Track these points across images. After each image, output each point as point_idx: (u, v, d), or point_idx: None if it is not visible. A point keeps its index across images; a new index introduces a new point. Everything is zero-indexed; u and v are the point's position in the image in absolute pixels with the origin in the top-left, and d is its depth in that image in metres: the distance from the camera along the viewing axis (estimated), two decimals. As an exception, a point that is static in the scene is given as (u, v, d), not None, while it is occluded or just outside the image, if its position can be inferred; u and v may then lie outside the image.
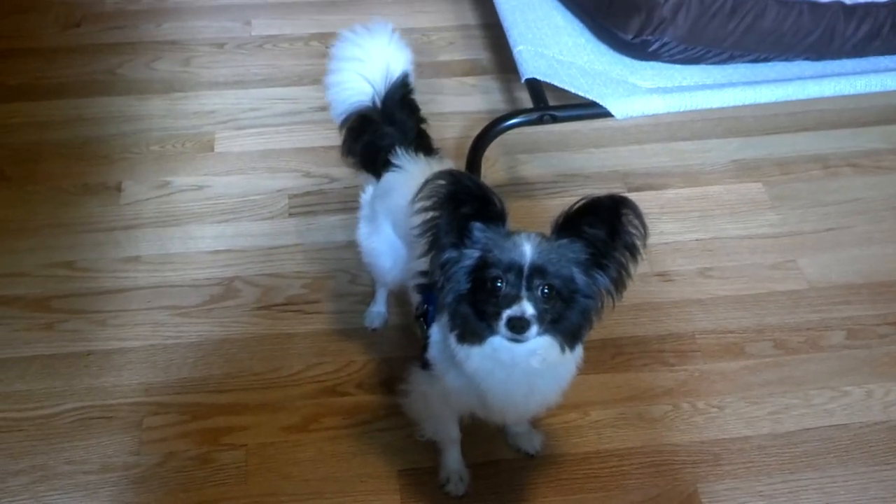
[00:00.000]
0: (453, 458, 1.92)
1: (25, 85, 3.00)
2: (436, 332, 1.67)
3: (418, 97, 2.06)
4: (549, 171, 2.73)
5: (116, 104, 2.93)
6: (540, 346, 1.51)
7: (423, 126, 2.03)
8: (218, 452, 2.00)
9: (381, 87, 1.97)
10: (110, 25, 3.27)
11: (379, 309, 2.24)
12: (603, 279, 1.50)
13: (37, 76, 3.04)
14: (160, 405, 2.09)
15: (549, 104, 2.41)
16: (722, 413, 2.10)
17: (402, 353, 2.19)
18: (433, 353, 1.69)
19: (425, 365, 1.73)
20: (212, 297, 2.33)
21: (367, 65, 1.98)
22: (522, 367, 1.55)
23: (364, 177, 2.05)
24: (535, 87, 2.44)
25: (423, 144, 1.97)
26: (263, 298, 2.33)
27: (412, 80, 2.03)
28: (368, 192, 2.02)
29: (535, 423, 2.03)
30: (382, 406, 2.10)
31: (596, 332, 1.59)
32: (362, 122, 1.98)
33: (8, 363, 2.16)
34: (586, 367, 1.68)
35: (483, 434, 1.94)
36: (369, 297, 2.32)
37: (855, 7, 2.54)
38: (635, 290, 2.30)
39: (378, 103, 1.97)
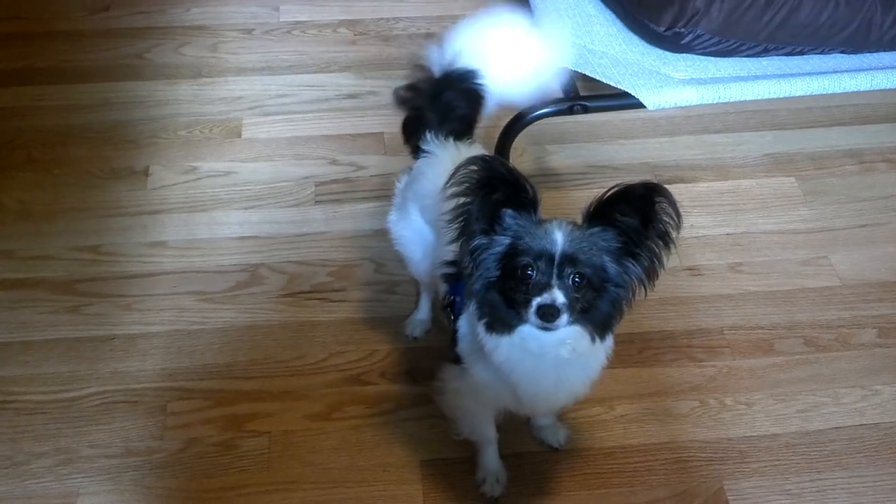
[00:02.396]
0: (491, 459, 1.90)
1: (54, 68, 3.01)
2: (464, 324, 1.66)
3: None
4: (578, 162, 2.70)
5: (144, 89, 2.93)
6: (569, 335, 1.48)
7: (475, 118, 1.96)
8: (241, 439, 2.00)
9: (444, 64, 1.90)
10: (139, 10, 3.27)
11: (422, 317, 2.20)
12: (635, 268, 1.47)
13: (65, 59, 3.04)
14: (184, 391, 2.09)
15: (580, 94, 2.38)
16: (750, 410, 2.08)
17: (426, 343, 2.19)
18: (462, 346, 1.67)
19: (456, 360, 1.71)
20: (237, 283, 2.33)
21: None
22: (551, 356, 1.52)
23: (402, 167, 2.02)
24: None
25: (456, 131, 1.91)
26: (289, 286, 2.32)
27: (483, 80, 1.93)
28: (403, 182, 2.00)
29: (561, 416, 2.01)
30: (406, 396, 2.09)
31: (623, 326, 1.57)
32: (412, 93, 1.93)
33: (33, 346, 2.17)
34: (613, 361, 1.66)
35: (508, 426, 1.92)
36: (395, 285, 2.32)
37: (893, -1, 2.49)
38: (664, 284, 2.27)
39: (435, 75, 1.90)
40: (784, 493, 1.93)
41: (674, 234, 1.44)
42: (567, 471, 1.95)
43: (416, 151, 1.92)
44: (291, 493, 1.91)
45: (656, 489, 1.93)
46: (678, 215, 1.41)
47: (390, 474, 1.94)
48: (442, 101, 1.90)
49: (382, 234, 2.12)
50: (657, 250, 1.46)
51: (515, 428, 1.97)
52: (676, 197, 1.43)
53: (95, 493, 1.90)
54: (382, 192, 2.48)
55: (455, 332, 1.70)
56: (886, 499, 1.92)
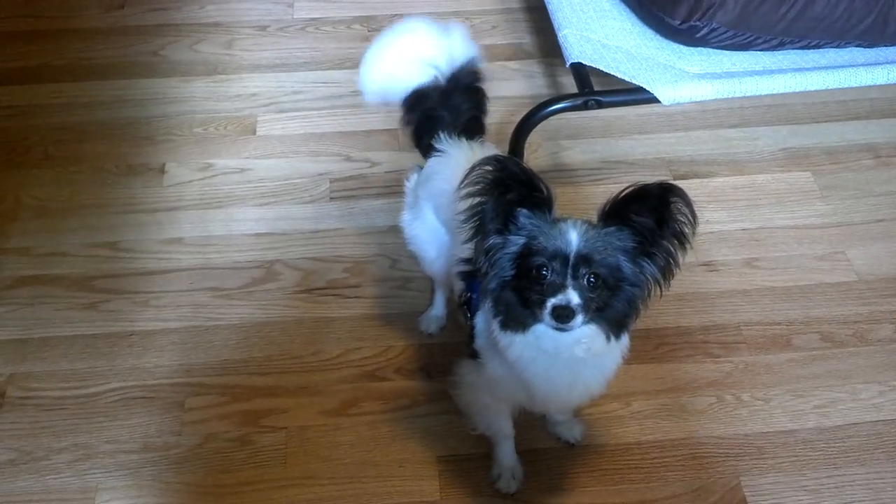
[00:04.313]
0: (507, 455, 1.90)
1: (70, 65, 3.02)
2: (480, 320, 1.66)
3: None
4: (593, 157, 2.69)
5: (159, 86, 2.94)
6: (585, 334, 1.48)
7: (482, 116, 1.98)
8: (258, 434, 2.01)
9: (447, 69, 1.91)
10: (153, 7, 3.28)
11: (437, 313, 2.20)
12: (650, 268, 1.47)
13: (81, 57, 3.06)
14: (201, 386, 2.10)
15: (595, 89, 2.37)
16: (767, 406, 2.07)
17: (442, 340, 2.19)
18: (479, 342, 1.67)
19: (473, 355, 1.71)
20: (253, 279, 2.33)
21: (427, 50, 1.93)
22: (566, 355, 1.53)
23: (413, 157, 2.02)
24: (580, 71, 2.41)
25: (468, 130, 1.92)
26: (304, 282, 2.33)
27: (480, 65, 1.98)
28: (412, 180, 2.00)
29: (577, 412, 2.01)
30: (421, 391, 2.09)
31: (639, 322, 1.57)
32: (418, 98, 1.94)
33: (52, 342, 2.18)
34: (629, 357, 1.67)
35: (524, 422, 1.92)
36: (409, 281, 2.32)
37: (910, -8, 2.47)
38: (680, 280, 2.26)
39: (442, 82, 1.92)
40: (801, 488, 1.92)
41: (689, 234, 1.43)
42: (583, 466, 1.95)
43: (428, 151, 1.92)
44: (307, 488, 1.91)
45: (673, 485, 1.93)
46: (694, 215, 1.42)
47: (406, 470, 1.95)
48: (452, 102, 1.91)
49: (396, 230, 2.12)
50: (673, 250, 1.46)
51: (531, 424, 1.97)
52: (691, 192, 1.43)
53: (114, 489, 1.91)
54: (396, 189, 2.47)
55: (472, 328, 1.70)
56: (905, 495, 1.92)
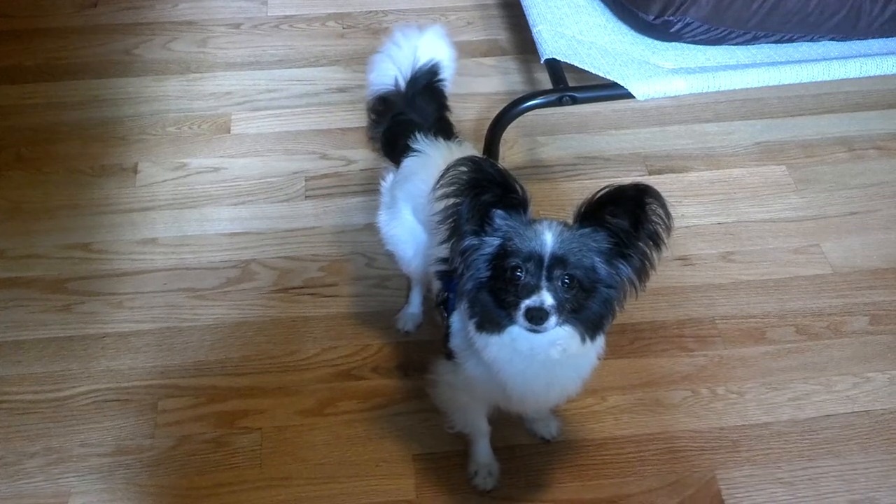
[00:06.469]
0: (483, 452, 1.90)
1: (42, 65, 2.99)
2: (456, 320, 1.66)
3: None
4: (569, 153, 2.69)
5: (133, 85, 2.92)
6: (560, 336, 1.49)
7: (447, 114, 2.00)
8: (233, 436, 2.00)
9: (408, 72, 1.93)
10: (126, 6, 3.25)
11: (414, 311, 2.19)
12: (626, 269, 1.47)
13: (53, 57, 3.03)
14: (176, 388, 2.08)
15: (569, 85, 2.37)
16: (742, 399, 2.08)
17: (418, 338, 2.18)
18: (455, 342, 1.67)
19: (449, 355, 1.71)
20: (228, 279, 2.32)
21: (401, 51, 1.97)
22: (541, 357, 1.53)
23: (386, 163, 2.03)
24: (555, 67, 2.40)
25: (442, 130, 1.93)
26: (280, 281, 2.32)
27: (445, 72, 2.01)
28: (388, 180, 1.99)
29: (553, 409, 2.01)
30: (398, 390, 2.09)
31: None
32: (385, 106, 1.95)
33: (24, 345, 2.16)
34: (604, 352, 1.66)
35: (500, 419, 1.92)
36: (386, 279, 2.31)
37: (882, -14, 2.48)
38: (656, 275, 2.25)
39: (402, 87, 1.93)
40: (776, 481, 1.93)
41: (664, 236, 1.44)
42: (559, 462, 1.96)
43: (403, 154, 1.91)
44: (283, 488, 1.91)
45: (648, 479, 1.93)
46: (668, 217, 1.42)
47: (382, 469, 1.95)
48: (416, 104, 1.92)
49: (373, 228, 2.12)
50: (648, 251, 1.46)
51: (507, 421, 1.97)
52: (667, 187, 1.44)
53: (87, 492, 1.90)
54: (373, 186, 2.46)
55: (448, 327, 1.70)
56: (878, 485, 1.93)
